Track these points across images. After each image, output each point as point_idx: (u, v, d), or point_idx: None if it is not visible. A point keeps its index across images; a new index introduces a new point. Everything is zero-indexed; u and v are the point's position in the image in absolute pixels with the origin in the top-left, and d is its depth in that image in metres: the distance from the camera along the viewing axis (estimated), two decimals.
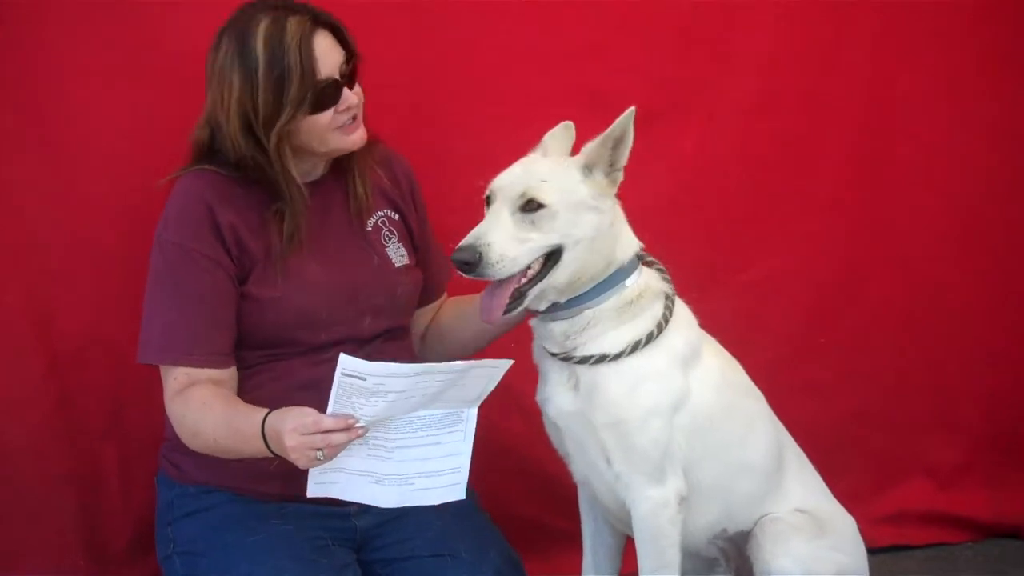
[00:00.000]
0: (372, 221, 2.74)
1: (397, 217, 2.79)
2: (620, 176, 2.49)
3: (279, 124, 2.49)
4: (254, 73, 2.48)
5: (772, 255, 3.44)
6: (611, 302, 2.49)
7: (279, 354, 2.62)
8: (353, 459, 2.37)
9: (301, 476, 2.54)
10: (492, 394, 3.22)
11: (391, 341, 2.73)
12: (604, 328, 2.48)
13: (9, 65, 2.87)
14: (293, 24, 2.48)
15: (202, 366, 2.53)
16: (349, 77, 2.57)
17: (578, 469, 2.61)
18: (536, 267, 2.44)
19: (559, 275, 2.44)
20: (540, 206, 2.41)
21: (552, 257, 2.43)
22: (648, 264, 2.58)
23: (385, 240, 2.75)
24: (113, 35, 2.90)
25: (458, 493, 2.45)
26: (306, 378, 2.61)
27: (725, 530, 2.64)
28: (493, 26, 3.15)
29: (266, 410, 2.40)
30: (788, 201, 3.42)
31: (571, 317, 2.49)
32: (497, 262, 2.37)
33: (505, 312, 2.43)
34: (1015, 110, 3.48)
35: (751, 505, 2.63)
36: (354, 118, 2.60)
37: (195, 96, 2.56)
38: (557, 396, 2.53)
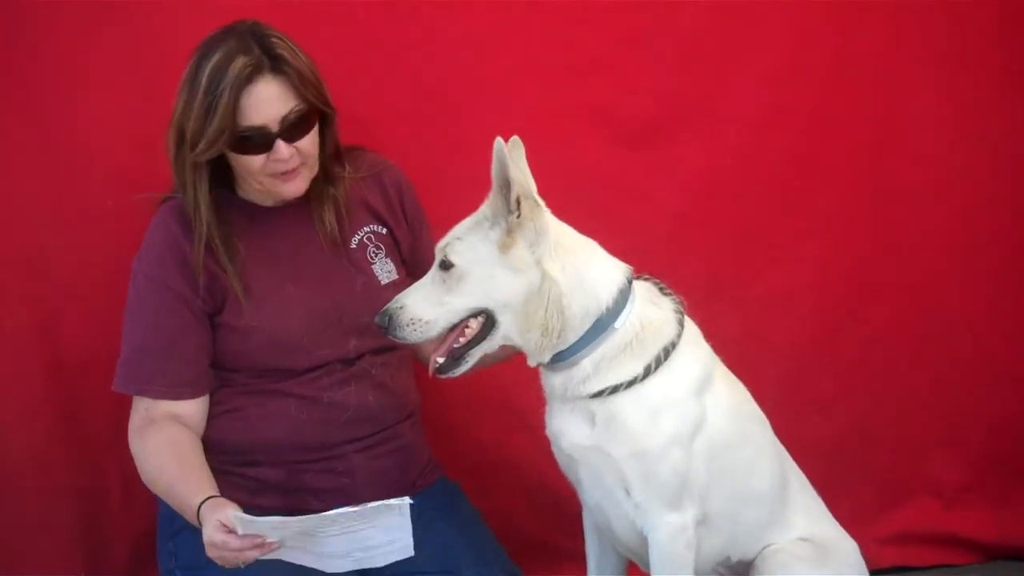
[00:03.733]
0: (357, 239, 2.72)
1: (384, 231, 2.75)
2: (524, 223, 2.31)
3: (195, 152, 2.47)
4: (193, 98, 2.47)
5: (777, 271, 3.41)
6: (606, 348, 2.38)
7: (266, 377, 2.62)
8: (285, 551, 2.32)
9: (302, 490, 2.54)
10: (497, 410, 3.24)
11: (380, 355, 2.71)
12: (609, 368, 2.39)
13: (12, 73, 2.88)
14: (239, 64, 2.44)
15: (157, 397, 2.57)
16: (290, 131, 2.50)
17: (591, 497, 2.52)
18: (476, 327, 2.36)
19: (496, 339, 2.37)
20: (452, 265, 2.35)
21: (489, 319, 2.36)
22: (643, 280, 2.49)
23: (371, 257, 2.72)
24: (118, 43, 2.90)
25: (407, 552, 2.33)
26: (295, 393, 2.62)
27: (729, 558, 2.58)
28: (497, 41, 3.14)
29: (207, 493, 2.40)
30: (794, 217, 3.40)
31: (568, 368, 2.40)
32: (408, 325, 2.34)
33: (440, 373, 2.39)
34: None
35: (756, 533, 2.57)
36: (293, 170, 2.54)
37: None
38: (572, 430, 2.44)
